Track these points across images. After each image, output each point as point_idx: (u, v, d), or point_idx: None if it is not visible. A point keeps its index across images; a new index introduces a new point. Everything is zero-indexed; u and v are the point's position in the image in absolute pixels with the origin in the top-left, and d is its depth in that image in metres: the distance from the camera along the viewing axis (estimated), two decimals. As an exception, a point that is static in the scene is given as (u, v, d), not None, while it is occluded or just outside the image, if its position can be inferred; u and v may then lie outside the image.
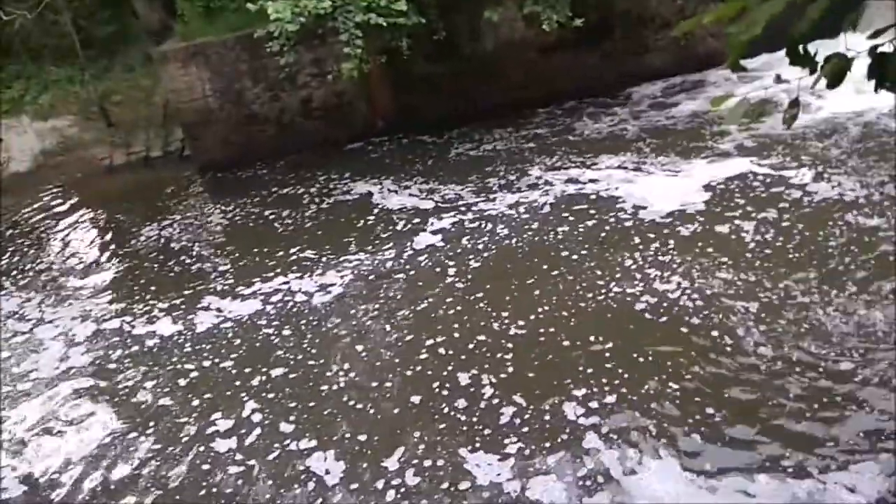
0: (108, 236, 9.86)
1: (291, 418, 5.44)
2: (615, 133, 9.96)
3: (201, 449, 5.29)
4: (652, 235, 7.03)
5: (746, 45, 1.85)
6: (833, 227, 6.54)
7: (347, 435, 5.14)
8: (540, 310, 6.16)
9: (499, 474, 4.56)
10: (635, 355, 5.35)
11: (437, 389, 5.44)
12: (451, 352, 5.84)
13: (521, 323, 6.03)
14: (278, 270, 7.75)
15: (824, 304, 5.54)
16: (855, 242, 6.26)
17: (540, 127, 10.61)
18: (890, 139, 8.04)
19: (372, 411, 5.37)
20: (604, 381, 5.16)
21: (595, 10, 10.65)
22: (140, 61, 13.29)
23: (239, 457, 5.15)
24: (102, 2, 13.71)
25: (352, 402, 5.48)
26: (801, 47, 1.89)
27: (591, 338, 5.66)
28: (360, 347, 6.18)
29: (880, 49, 1.85)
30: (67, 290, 8.41)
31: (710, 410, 4.72)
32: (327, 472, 4.83)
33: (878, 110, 8.58)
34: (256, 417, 5.51)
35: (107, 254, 9.28)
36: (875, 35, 1.93)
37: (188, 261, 8.58)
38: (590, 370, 5.28)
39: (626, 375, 5.18)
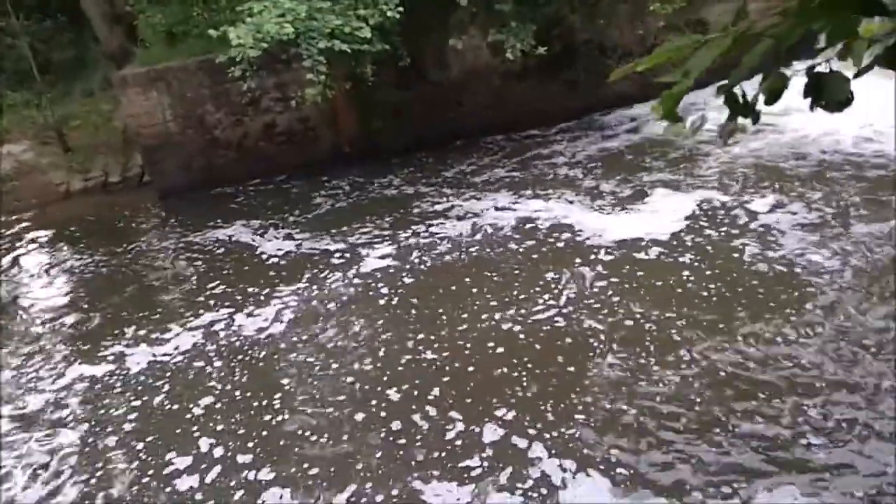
0: (50, 267, 9.42)
1: (249, 445, 5.22)
2: (574, 160, 10.01)
3: (165, 489, 4.96)
4: (592, 258, 7.07)
5: (678, 98, 1.83)
6: (762, 265, 6.50)
7: (304, 465, 4.94)
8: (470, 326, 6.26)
9: (458, 499, 4.43)
10: (553, 378, 5.42)
11: (374, 411, 5.36)
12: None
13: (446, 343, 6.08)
14: (218, 304, 7.49)
15: (733, 341, 5.51)
16: (778, 278, 6.26)
17: (502, 153, 10.65)
18: (847, 167, 8.18)
19: (325, 440, 5.17)
20: (524, 398, 5.21)
21: (558, 39, 10.85)
22: (99, 86, 13.06)
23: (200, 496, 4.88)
24: (62, 26, 13.49)
25: (301, 432, 5.30)
26: (739, 96, 1.86)
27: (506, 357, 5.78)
28: (294, 377, 6.03)
29: (816, 69, 1.84)
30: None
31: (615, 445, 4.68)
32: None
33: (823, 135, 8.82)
34: (217, 452, 5.23)
35: (44, 286, 8.82)
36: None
37: (128, 294, 8.19)
38: (509, 389, 5.31)
39: (536, 392, 5.26)
